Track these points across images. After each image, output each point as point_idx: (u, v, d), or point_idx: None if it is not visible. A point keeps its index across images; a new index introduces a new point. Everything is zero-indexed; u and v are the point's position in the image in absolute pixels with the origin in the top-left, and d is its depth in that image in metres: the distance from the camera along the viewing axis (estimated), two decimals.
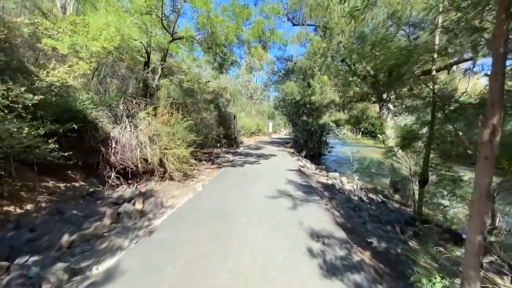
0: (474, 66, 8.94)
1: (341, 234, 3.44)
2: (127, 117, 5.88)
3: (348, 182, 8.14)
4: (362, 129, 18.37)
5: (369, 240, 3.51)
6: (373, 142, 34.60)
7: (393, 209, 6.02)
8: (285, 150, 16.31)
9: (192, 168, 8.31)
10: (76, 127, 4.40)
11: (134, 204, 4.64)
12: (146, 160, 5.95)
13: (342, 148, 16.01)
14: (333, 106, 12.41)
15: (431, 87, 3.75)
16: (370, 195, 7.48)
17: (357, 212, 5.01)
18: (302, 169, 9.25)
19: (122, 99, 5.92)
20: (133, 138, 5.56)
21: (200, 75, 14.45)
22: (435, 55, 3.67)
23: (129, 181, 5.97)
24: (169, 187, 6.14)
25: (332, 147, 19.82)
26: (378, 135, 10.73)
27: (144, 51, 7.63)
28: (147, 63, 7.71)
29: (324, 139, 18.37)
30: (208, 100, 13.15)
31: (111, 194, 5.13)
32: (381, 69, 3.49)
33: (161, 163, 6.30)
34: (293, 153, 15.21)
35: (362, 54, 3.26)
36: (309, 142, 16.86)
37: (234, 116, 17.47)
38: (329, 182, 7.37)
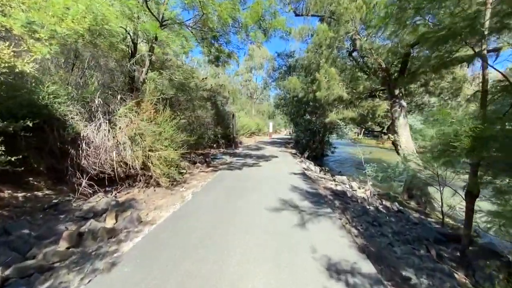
0: (497, 58, 8.09)
1: (368, 266, 2.58)
2: (104, 113, 5.02)
3: (359, 188, 7.28)
4: (366, 129, 17.51)
5: (404, 273, 2.65)
6: (375, 142, 33.75)
7: (416, 221, 5.16)
8: (286, 150, 15.45)
9: (184, 171, 7.46)
10: (30, 124, 3.53)
11: (104, 219, 3.78)
12: (126, 164, 5.10)
13: (352, 149, 15.17)
14: (337, 104, 11.54)
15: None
16: (384, 202, 6.62)
17: (377, 228, 4.15)
18: (306, 172, 8.38)
19: (98, 92, 5.05)
20: (109, 138, 4.70)
21: (196, 69, 13.59)
22: (486, 31, 2.83)
23: (107, 189, 5.11)
24: (154, 195, 5.28)
25: (335, 147, 18.98)
26: (389, 135, 9.88)
27: (129, 39, 6.78)
28: (133, 54, 6.85)
29: (327, 139, 17.53)
30: (204, 98, 12.29)
31: (81, 206, 4.26)
32: (426, 42, 2.64)
33: (146, 167, 5.44)
34: (295, 154, 14.36)
35: (402, 21, 2.44)
36: (312, 143, 16.01)
37: (233, 115, 16.59)
38: (339, 188, 6.50)
